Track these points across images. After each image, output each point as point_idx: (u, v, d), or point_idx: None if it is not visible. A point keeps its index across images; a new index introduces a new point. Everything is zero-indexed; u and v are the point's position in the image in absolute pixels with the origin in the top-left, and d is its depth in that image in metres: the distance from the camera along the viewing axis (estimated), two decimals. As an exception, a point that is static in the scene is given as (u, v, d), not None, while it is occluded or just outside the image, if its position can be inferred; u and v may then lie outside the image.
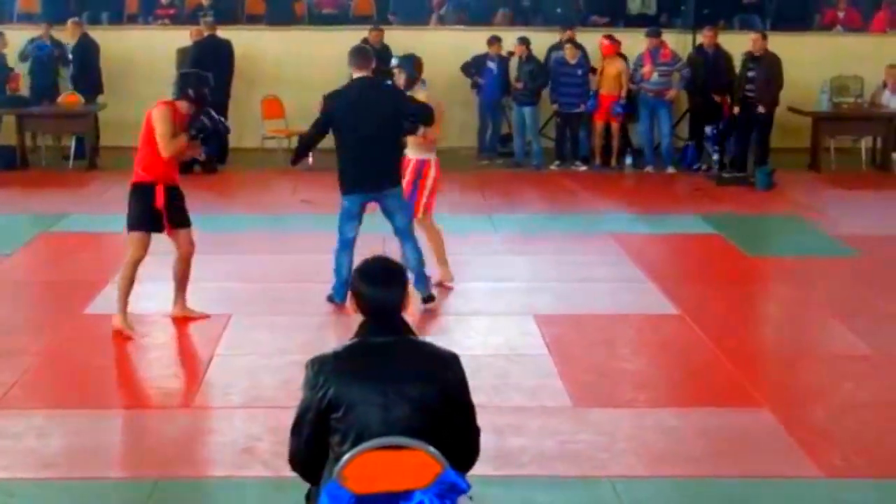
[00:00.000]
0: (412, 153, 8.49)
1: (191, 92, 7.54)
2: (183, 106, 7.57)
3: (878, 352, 7.41)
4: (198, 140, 7.72)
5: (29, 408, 6.43)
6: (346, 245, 8.03)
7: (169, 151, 7.45)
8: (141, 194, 7.63)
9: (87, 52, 14.90)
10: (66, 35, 14.93)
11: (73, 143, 14.69)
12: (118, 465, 5.71)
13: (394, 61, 8.68)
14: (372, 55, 8.05)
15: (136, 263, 7.68)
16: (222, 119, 8.06)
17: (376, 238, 9.71)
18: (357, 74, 7.98)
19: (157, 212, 7.59)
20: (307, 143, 8.58)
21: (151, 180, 7.61)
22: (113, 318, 7.69)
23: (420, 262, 8.16)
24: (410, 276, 7.36)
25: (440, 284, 8.65)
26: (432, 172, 8.57)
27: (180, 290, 8.00)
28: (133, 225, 7.68)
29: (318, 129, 8.12)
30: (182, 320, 8.00)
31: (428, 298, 8.18)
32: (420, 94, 8.38)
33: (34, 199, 12.69)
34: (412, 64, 8.45)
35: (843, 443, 5.97)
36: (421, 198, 8.53)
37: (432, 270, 8.58)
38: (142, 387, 6.91)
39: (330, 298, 8.19)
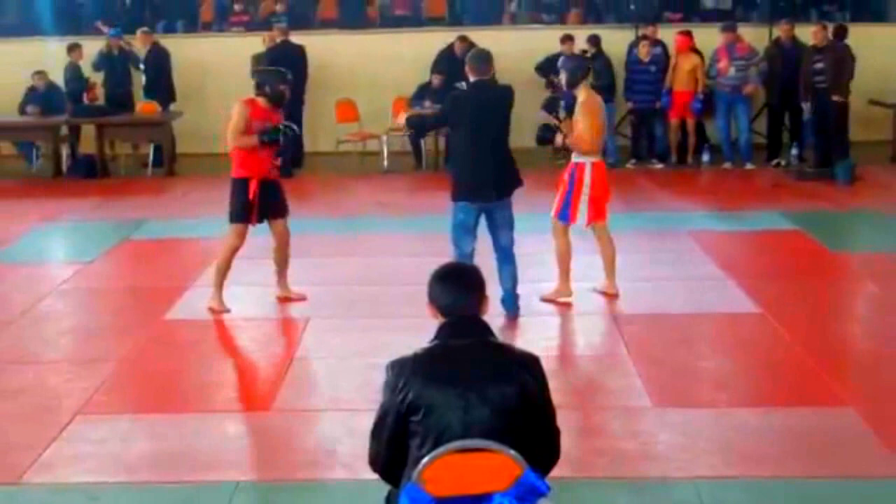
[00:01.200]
0: (573, 157, 8.29)
1: (267, 89, 7.98)
2: (261, 102, 7.96)
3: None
4: (267, 145, 7.98)
5: (112, 413, 6.53)
6: (468, 258, 7.46)
7: (232, 143, 7.97)
8: (236, 188, 8.14)
9: (159, 61, 15.14)
10: (138, 45, 15.15)
11: (150, 151, 14.93)
12: (200, 468, 5.76)
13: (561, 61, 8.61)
14: (492, 59, 7.79)
15: (233, 251, 8.28)
16: (292, 126, 8.26)
17: (447, 238, 9.76)
18: (476, 78, 7.67)
19: (251, 205, 8.08)
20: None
21: (245, 175, 8.07)
22: (209, 298, 8.29)
23: (515, 283, 7.93)
24: (498, 291, 7.60)
25: (603, 293, 8.52)
26: (586, 178, 8.17)
27: (280, 273, 8.51)
28: (231, 217, 8.22)
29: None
30: (283, 300, 8.52)
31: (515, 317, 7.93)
32: (581, 94, 8.16)
33: (115, 206, 12.91)
34: (575, 64, 8.36)
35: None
36: (577, 203, 8.22)
37: (599, 278, 8.55)
38: (222, 390, 6.97)
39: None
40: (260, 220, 8.25)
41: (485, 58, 7.71)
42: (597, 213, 8.33)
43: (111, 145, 15.22)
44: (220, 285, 8.32)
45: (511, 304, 7.91)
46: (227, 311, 8.27)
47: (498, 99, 7.75)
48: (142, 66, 15.07)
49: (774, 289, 8.78)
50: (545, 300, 8.32)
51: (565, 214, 8.26)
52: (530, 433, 3.59)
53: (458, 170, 7.79)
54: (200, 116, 15.49)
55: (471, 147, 7.59)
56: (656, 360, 7.22)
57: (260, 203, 8.11)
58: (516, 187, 7.82)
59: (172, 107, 15.12)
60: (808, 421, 6.16)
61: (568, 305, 8.36)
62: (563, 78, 8.23)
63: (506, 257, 7.86)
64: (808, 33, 14.35)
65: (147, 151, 15.12)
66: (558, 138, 8.17)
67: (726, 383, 6.86)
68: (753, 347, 7.52)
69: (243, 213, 8.15)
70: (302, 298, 8.47)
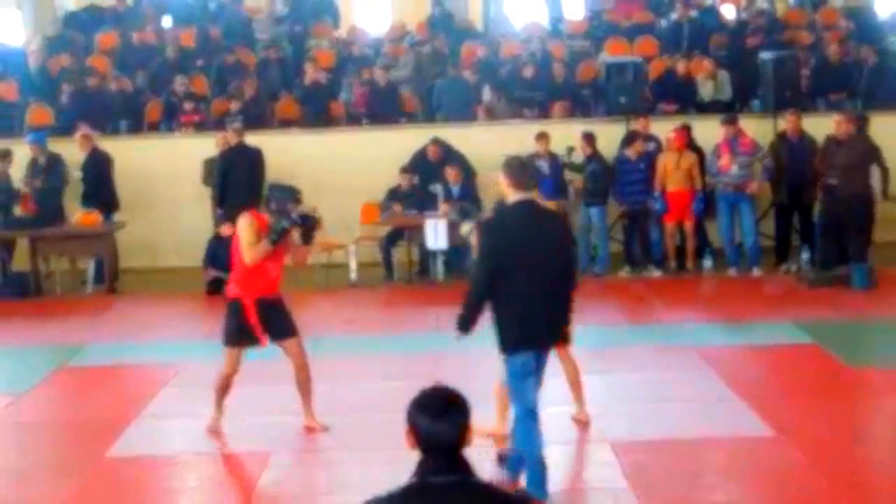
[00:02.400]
0: None
1: (273, 205, 8.19)
2: (265, 216, 8.20)
3: None
4: (278, 243, 8.12)
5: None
6: (533, 413, 6.85)
7: (251, 258, 8.08)
8: (233, 309, 8.27)
9: (99, 167, 15.10)
10: (77, 148, 15.17)
11: (91, 267, 14.94)
12: None
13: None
14: (533, 171, 7.35)
15: (228, 378, 8.41)
16: (305, 213, 8.37)
17: (427, 360, 9.77)
18: (517, 197, 6.79)
19: (251, 327, 8.19)
20: (479, 301, 6.84)
21: (237, 296, 8.23)
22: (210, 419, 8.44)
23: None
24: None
25: (576, 420, 8.51)
26: None
27: (303, 399, 8.53)
28: (225, 340, 8.37)
29: (489, 276, 6.72)
30: (307, 429, 8.50)
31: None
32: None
33: (50, 329, 12.87)
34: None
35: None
36: None
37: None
38: (173, 538, 6.91)
39: (503, 462, 7.25)
40: (257, 343, 8.29)
41: (521, 168, 6.93)
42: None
43: (45, 261, 15.19)
44: (217, 406, 8.48)
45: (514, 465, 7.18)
46: (221, 433, 8.46)
47: (546, 226, 6.97)
48: (78, 174, 15.08)
49: (789, 409, 8.80)
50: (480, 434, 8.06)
51: None
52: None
53: (502, 315, 6.78)
54: (147, 227, 15.55)
55: (517, 286, 6.71)
56: (660, 492, 7.20)
57: (262, 323, 8.22)
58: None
59: (115, 217, 15.15)
60: (832, 559, 6.15)
61: (559, 431, 8.34)
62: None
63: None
64: (814, 125, 14.60)
65: (86, 267, 15.13)
66: (464, 227, 8.22)
67: (740, 517, 6.84)
68: (768, 475, 7.51)
69: (236, 336, 8.27)
70: (324, 429, 8.45)
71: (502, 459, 7.23)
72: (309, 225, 8.35)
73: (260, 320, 8.20)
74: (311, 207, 8.48)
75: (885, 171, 13.94)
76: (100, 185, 15.08)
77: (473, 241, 8.04)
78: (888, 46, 17.53)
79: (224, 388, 8.44)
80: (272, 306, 8.30)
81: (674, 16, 18.73)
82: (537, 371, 6.90)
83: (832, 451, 7.87)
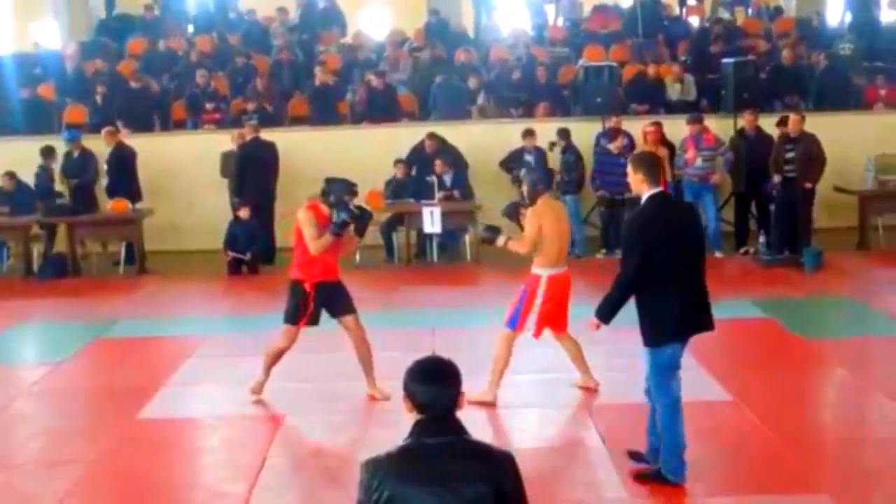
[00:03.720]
0: (532, 268, 8.12)
1: (332, 198, 8.13)
2: (324, 208, 8.14)
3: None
4: (340, 235, 8.10)
5: (85, 516, 6.47)
6: (679, 407, 6.50)
7: (316, 250, 8.07)
8: (295, 291, 8.24)
9: (122, 161, 15.10)
10: (103, 143, 15.17)
11: (122, 249, 14.95)
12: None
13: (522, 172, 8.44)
14: (661, 163, 6.87)
15: (282, 352, 8.39)
16: (361, 206, 8.34)
17: (425, 334, 9.78)
18: (652, 190, 6.39)
19: (309, 308, 8.20)
20: (628, 293, 6.54)
21: (300, 278, 8.20)
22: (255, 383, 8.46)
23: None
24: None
25: (583, 387, 8.44)
26: (539, 290, 8.02)
27: (366, 371, 8.45)
28: (286, 318, 8.30)
29: (640, 268, 6.32)
30: (370, 398, 8.41)
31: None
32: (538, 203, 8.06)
33: (86, 305, 12.87)
34: (535, 178, 8.21)
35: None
36: (526, 314, 8.04)
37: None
38: (197, 492, 6.91)
39: (657, 473, 6.60)
40: (315, 322, 8.31)
41: (651, 162, 6.52)
42: (553, 324, 8.22)
43: (82, 244, 15.21)
44: (266, 371, 8.46)
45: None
46: (260, 398, 8.47)
47: (682, 216, 6.60)
48: (104, 167, 15.09)
49: (747, 377, 8.84)
50: (470, 402, 7.99)
51: (513, 322, 8.10)
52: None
53: (654, 306, 6.40)
54: (173, 213, 15.56)
55: (668, 276, 6.33)
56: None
57: (320, 305, 8.24)
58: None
59: (138, 206, 15.14)
60: (784, 510, 6.18)
61: (492, 404, 8.30)
62: (524, 191, 8.11)
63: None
64: (771, 123, 14.63)
65: (117, 249, 15.14)
66: (500, 239, 8.09)
67: (702, 472, 6.84)
68: (727, 436, 7.54)
69: (295, 315, 8.24)
70: (386, 398, 8.25)
71: (633, 455, 6.89)
72: (365, 218, 8.29)
73: (319, 302, 8.20)
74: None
75: (823, 163, 13.93)
76: (123, 176, 15.06)
77: (517, 248, 8.06)
78: (837, 52, 17.52)
79: (275, 358, 8.42)
80: (332, 287, 8.27)
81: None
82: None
83: (784, 414, 7.90)
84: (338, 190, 8.17)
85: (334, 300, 8.31)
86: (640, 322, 6.45)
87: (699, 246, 6.58)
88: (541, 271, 8.04)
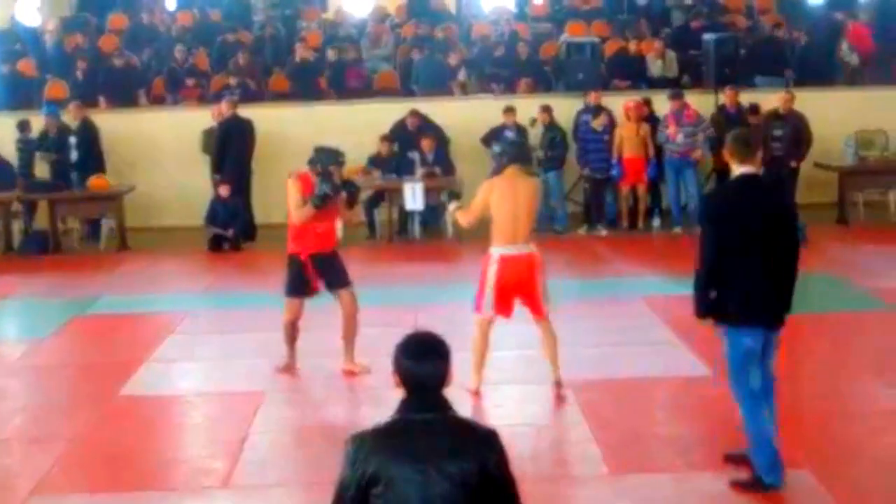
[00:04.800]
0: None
1: (319, 167, 8.12)
2: (312, 177, 8.08)
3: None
4: (320, 208, 8.02)
5: (66, 492, 6.46)
6: (757, 396, 6.10)
7: (297, 219, 8.08)
8: (291, 264, 8.28)
9: (87, 136, 15.00)
10: (69, 118, 15.06)
11: (103, 225, 14.87)
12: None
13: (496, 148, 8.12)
14: (759, 142, 6.51)
15: (290, 324, 8.44)
16: (348, 179, 8.41)
17: (407, 310, 9.78)
18: (742, 170, 6.07)
19: (308, 278, 8.22)
20: (709, 279, 6.12)
21: (295, 251, 8.21)
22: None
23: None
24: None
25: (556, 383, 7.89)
26: (490, 269, 7.59)
27: (347, 346, 8.44)
28: (286, 291, 8.37)
29: (717, 252, 6.01)
30: (347, 373, 8.41)
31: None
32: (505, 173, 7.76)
33: (67, 281, 12.82)
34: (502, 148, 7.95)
35: (886, 501, 5.90)
36: (482, 294, 7.66)
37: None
38: (179, 467, 6.92)
39: (756, 481, 6.10)
40: (315, 293, 8.35)
41: (745, 140, 6.19)
42: (526, 306, 7.74)
43: (62, 220, 15.12)
44: (290, 349, 8.51)
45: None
46: (295, 371, 8.50)
47: (770, 198, 6.21)
48: (73, 140, 14.95)
49: (727, 352, 8.85)
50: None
51: (475, 306, 7.76)
52: (491, 507, 3.59)
53: (729, 288, 6.05)
54: (154, 189, 15.49)
55: (746, 259, 5.98)
56: (612, 425, 7.25)
57: (316, 276, 8.25)
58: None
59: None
60: (764, 484, 6.20)
61: (521, 373, 8.38)
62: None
63: (769, 391, 6.30)
64: (751, 99, 14.64)
65: (99, 225, 15.07)
66: (451, 205, 8.12)
67: (682, 447, 6.89)
68: (708, 410, 7.56)
69: (295, 287, 8.27)
70: (366, 371, 8.31)
71: (730, 458, 6.42)
72: (351, 191, 8.28)
73: (316, 273, 8.22)
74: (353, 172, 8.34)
75: (810, 143, 13.98)
76: (89, 150, 14.96)
77: (460, 218, 8.00)
78: (816, 28, 17.52)
79: (291, 334, 8.42)
80: (326, 259, 8.27)
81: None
82: (765, 350, 6.14)
83: (764, 389, 7.93)
84: (324, 159, 8.13)
85: (330, 272, 8.31)
86: (719, 304, 6.10)
87: (790, 233, 6.08)
88: (493, 250, 7.62)
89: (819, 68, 16.47)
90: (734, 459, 6.32)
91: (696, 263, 6.13)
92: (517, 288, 7.68)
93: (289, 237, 8.31)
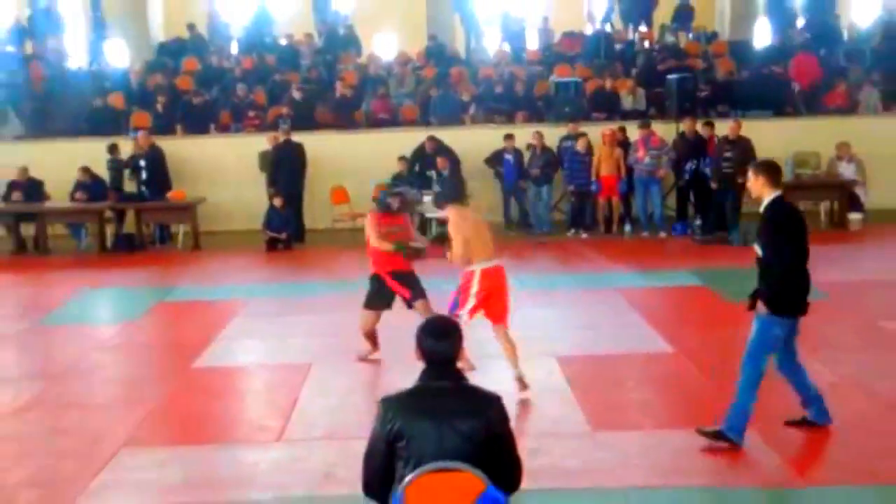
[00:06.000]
0: None
1: (378, 203, 8.05)
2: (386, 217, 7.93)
3: (842, 379, 7.31)
4: (412, 252, 7.86)
5: (150, 446, 6.48)
6: (760, 380, 6.01)
7: (374, 246, 7.86)
8: (374, 280, 8.01)
9: (155, 159, 14.97)
10: (140, 144, 14.96)
11: (180, 231, 14.90)
12: (224, 490, 5.71)
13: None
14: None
15: (368, 332, 8.08)
16: (416, 247, 7.99)
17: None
18: (775, 193, 5.96)
19: (391, 290, 7.93)
20: (792, 278, 6.00)
21: (376, 272, 7.97)
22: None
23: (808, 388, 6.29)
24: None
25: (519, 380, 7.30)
26: (473, 283, 7.13)
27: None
28: (365, 304, 8.05)
29: (788, 255, 5.96)
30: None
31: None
32: (449, 214, 7.25)
33: (151, 275, 12.85)
34: (444, 189, 7.75)
35: (820, 455, 5.88)
36: (464, 301, 7.13)
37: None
38: (241, 425, 6.93)
39: (721, 434, 6.02)
40: (388, 307, 7.99)
41: (774, 169, 6.05)
42: (488, 311, 7.18)
43: (147, 225, 15.16)
44: (372, 345, 8.15)
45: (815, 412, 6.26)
46: (376, 354, 8.15)
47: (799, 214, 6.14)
48: (142, 163, 14.88)
49: (686, 333, 8.84)
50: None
51: (453, 307, 7.14)
52: (495, 460, 3.59)
53: (781, 279, 5.95)
54: (221, 199, 15.51)
55: (798, 256, 5.98)
56: (593, 392, 7.23)
57: (399, 287, 7.91)
58: None
59: (168, 195, 14.82)
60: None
61: (518, 349, 8.32)
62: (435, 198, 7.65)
63: (799, 361, 6.29)
64: (707, 128, 14.59)
65: (177, 231, 15.11)
66: (448, 254, 7.22)
67: (650, 410, 6.88)
68: (670, 381, 7.56)
69: (372, 301, 7.99)
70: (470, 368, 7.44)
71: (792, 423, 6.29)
72: (419, 254, 7.96)
73: (398, 284, 7.91)
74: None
75: (755, 160, 13.91)
76: (156, 172, 14.93)
77: (457, 260, 7.18)
78: (761, 70, 17.43)
79: (370, 336, 8.09)
80: (404, 275, 7.94)
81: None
82: (790, 337, 6.10)
83: (717, 363, 7.89)
84: (382, 195, 7.98)
85: (407, 285, 7.93)
86: (768, 295, 5.96)
87: (806, 239, 6.05)
88: (473, 267, 7.13)
89: (762, 102, 16.38)
90: (707, 435, 6.07)
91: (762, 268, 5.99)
92: (494, 295, 7.18)
93: (371, 260, 8.00)
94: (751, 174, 6.02)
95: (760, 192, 6.00)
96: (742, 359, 6.06)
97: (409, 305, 7.96)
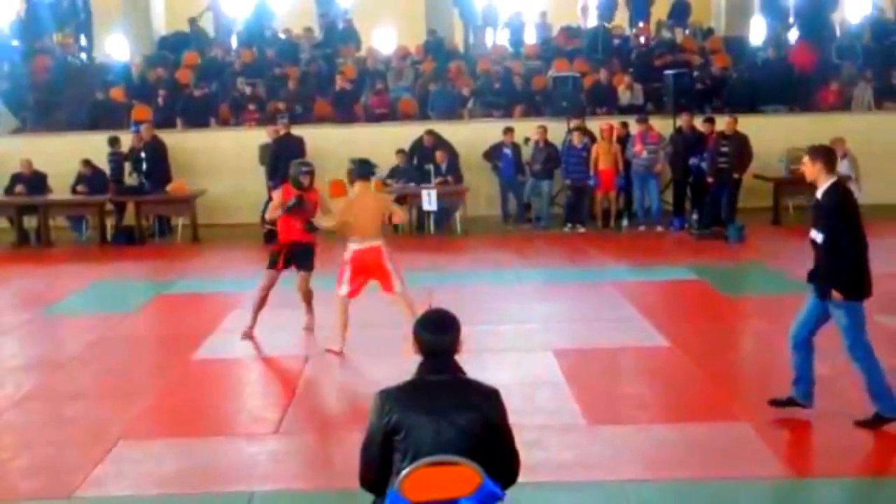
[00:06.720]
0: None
1: (289, 176, 8.62)
2: (291, 186, 8.56)
3: (833, 371, 7.29)
4: (290, 213, 8.47)
5: (149, 437, 6.46)
6: (874, 353, 6.02)
7: (269, 215, 8.81)
8: (271, 245, 8.85)
9: (156, 152, 14.92)
10: (142, 136, 14.91)
11: (179, 224, 14.87)
12: (221, 482, 5.70)
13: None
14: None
15: (264, 290, 8.66)
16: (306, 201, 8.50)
17: (423, 291, 9.76)
18: (832, 178, 5.90)
19: (280, 258, 8.62)
20: (854, 261, 5.90)
21: (282, 237, 8.66)
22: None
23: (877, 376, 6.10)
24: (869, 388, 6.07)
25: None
26: (346, 256, 8.10)
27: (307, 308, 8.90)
28: (268, 265, 8.71)
29: (854, 240, 5.90)
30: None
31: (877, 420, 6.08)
32: (355, 188, 8.16)
33: (150, 268, 12.83)
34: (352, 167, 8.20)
35: (810, 448, 5.87)
36: (341, 277, 8.11)
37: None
38: (238, 417, 6.91)
39: (878, 418, 6.03)
40: (286, 267, 8.61)
41: (832, 154, 6.04)
42: (377, 284, 8.05)
43: (146, 218, 15.13)
44: (253, 317, 8.67)
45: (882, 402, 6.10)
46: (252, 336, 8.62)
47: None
48: (142, 155, 14.86)
49: (681, 327, 8.83)
50: (327, 349, 8.14)
51: (338, 283, 8.13)
52: (492, 453, 3.58)
53: (854, 265, 5.89)
54: (221, 193, 15.48)
55: (862, 241, 5.93)
56: (588, 385, 7.22)
57: (288, 257, 8.59)
58: None
59: (168, 188, 14.82)
60: (712, 434, 6.18)
61: (515, 342, 8.35)
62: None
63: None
64: (707, 124, 14.55)
65: (176, 224, 15.07)
66: (321, 221, 8.32)
67: (645, 404, 6.87)
68: (666, 374, 7.54)
69: (271, 263, 8.64)
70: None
71: (778, 402, 6.31)
72: (301, 206, 8.41)
73: (288, 254, 8.55)
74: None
75: (751, 158, 13.92)
76: (157, 163, 14.90)
77: (323, 222, 8.25)
78: (756, 66, 17.41)
79: (260, 301, 8.61)
80: (301, 246, 8.58)
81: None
82: (823, 316, 6.13)
83: (712, 357, 7.91)
84: (294, 170, 8.58)
85: (300, 257, 8.63)
86: (844, 284, 5.89)
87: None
88: (349, 246, 8.07)
89: (755, 99, 16.35)
90: (872, 423, 6.02)
91: (826, 254, 5.91)
92: (371, 270, 8.04)
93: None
94: (807, 159, 5.94)
95: (817, 177, 5.92)
96: (848, 351, 6.04)
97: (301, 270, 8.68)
